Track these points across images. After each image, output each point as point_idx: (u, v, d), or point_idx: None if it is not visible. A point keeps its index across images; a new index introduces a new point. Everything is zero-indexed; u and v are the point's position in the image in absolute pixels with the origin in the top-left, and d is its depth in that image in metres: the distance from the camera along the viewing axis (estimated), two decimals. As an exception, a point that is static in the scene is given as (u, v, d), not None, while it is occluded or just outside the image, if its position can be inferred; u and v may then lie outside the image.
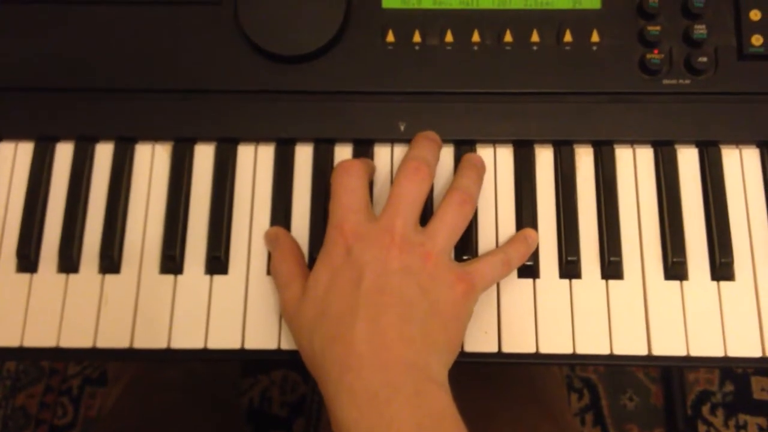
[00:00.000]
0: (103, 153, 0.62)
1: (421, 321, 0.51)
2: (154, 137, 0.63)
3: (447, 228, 0.55)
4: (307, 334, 0.52)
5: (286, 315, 0.56)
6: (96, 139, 0.63)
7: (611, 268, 0.59)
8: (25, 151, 0.62)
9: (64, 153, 0.62)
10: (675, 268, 0.59)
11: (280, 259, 0.57)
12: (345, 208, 0.55)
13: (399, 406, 0.48)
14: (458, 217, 0.56)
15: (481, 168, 0.60)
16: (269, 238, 0.59)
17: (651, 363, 0.58)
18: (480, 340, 0.58)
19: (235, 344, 0.58)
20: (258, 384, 1.35)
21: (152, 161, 0.62)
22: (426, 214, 0.58)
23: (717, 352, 0.58)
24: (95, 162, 0.62)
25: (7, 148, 0.63)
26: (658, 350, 0.57)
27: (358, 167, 0.56)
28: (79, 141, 0.62)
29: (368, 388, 0.48)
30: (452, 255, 0.59)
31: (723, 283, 0.59)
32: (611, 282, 0.59)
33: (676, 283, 0.59)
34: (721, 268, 0.59)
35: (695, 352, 0.57)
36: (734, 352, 0.58)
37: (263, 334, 0.58)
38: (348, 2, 0.63)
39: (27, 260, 0.59)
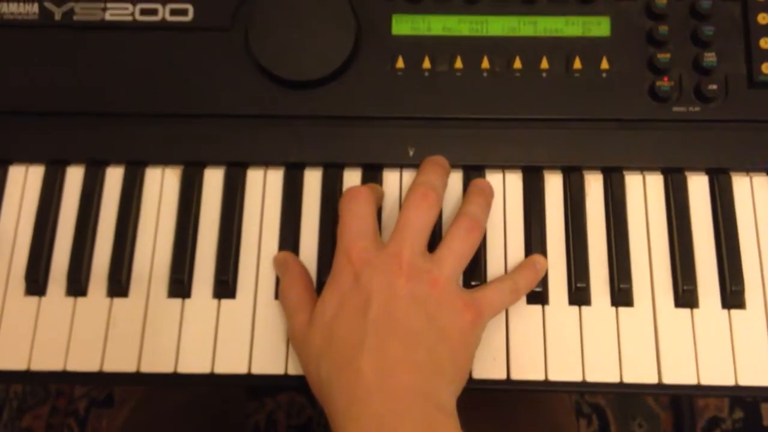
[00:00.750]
0: (113, 177, 0.63)
1: (429, 348, 0.51)
2: (164, 161, 0.63)
3: (455, 255, 0.55)
4: (314, 361, 0.52)
5: (294, 341, 0.55)
6: (106, 163, 0.63)
7: (621, 295, 0.59)
8: (35, 174, 0.63)
9: (74, 177, 0.63)
10: (685, 295, 0.58)
11: (289, 284, 0.57)
12: (353, 235, 0.55)
13: None
14: (466, 244, 0.56)
15: (489, 194, 0.60)
16: (278, 263, 0.59)
17: (661, 392, 0.57)
18: (488, 367, 0.58)
19: (242, 369, 0.58)
20: (264, 407, 1.35)
21: (162, 185, 0.62)
22: (435, 239, 0.57)
23: (728, 380, 0.57)
24: (105, 186, 0.62)
25: (17, 171, 0.63)
26: (669, 379, 0.57)
27: (366, 193, 0.56)
28: (89, 165, 0.63)
29: (375, 417, 0.48)
30: (460, 281, 0.58)
31: (734, 311, 0.59)
32: (621, 309, 0.59)
33: (687, 311, 0.59)
34: (732, 296, 0.58)
35: (706, 381, 0.57)
36: (745, 380, 0.57)
37: (270, 359, 0.58)
38: (358, 28, 0.63)
39: (36, 284, 0.60)
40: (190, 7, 0.65)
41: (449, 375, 0.51)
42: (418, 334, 0.51)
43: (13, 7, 0.65)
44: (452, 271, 0.54)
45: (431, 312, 0.52)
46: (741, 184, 0.62)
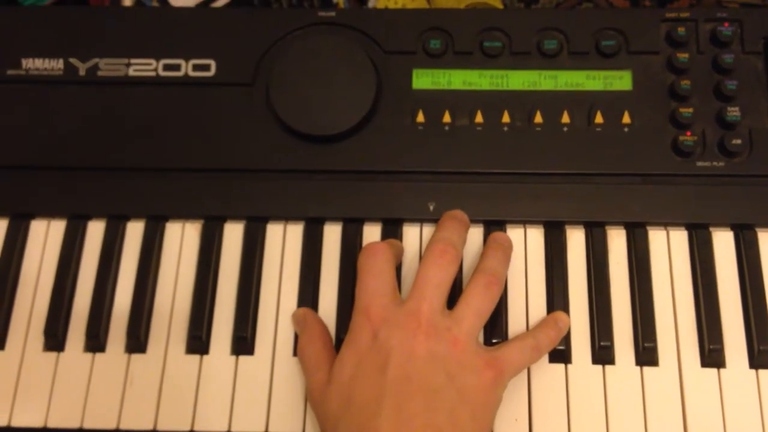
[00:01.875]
0: (134, 231, 0.63)
1: (449, 410, 0.50)
2: (185, 216, 0.63)
3: (474, 312, 0.54)
4: (332, 422, 0.51)
5: (312, 401, 0.55)
6: (127, 218, 0.63)
7: (646, 354, 0.57)
8: (57, 229, 0.63)
9: (95, 231, 0.63)
10: (712, 355, 0.57)
11: (308, 342, 0.56)
12: (371, 292, 0.54)
13: None
14: (485, 301, 0.55)
15: (508, 248, 0.59)
16: (297, 320, 0.59)
17: (688, 455, 0.56)
18: (510, 428, 0.56)
19: (259, 428, 0.57)
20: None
21: (182, 240, 0.63)
22: (455, 293, 0.57)
23: (757, 443, 0.56)
24: (125, 240, 0.63)
25: (39, 225, 0.63)
26: (696, 441, 0.56)
27: (384, 250, 0.56)
28: (110, 219, 0.63)
29: None
30: (481, 338, 0.58)
31: (762, 372, 0.57)
32: (646, 369, 0.57)
33: (714, 371, 0.57)
34: (760, 356, 0.57)
35: (734, 444, 0.55)
36: (775, 443, 0.56)
37: (288, 418, 0.57)
38: (378, 83, 0.64)
39: (55, 339, 0.59)
40: (212, 63, 0.65)
41: None
42: (437, 394, 0.50)
43: (39, 63, 0.66)
44: (472, 329, 0.54)
45: (451, 371, 0.51)
46: (767, 241, 0.60)
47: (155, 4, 0.76)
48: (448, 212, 0.60)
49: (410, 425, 0.49)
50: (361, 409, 0.50)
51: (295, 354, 0.59)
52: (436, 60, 0.65)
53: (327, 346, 0.56)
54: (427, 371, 0.51)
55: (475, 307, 0.55)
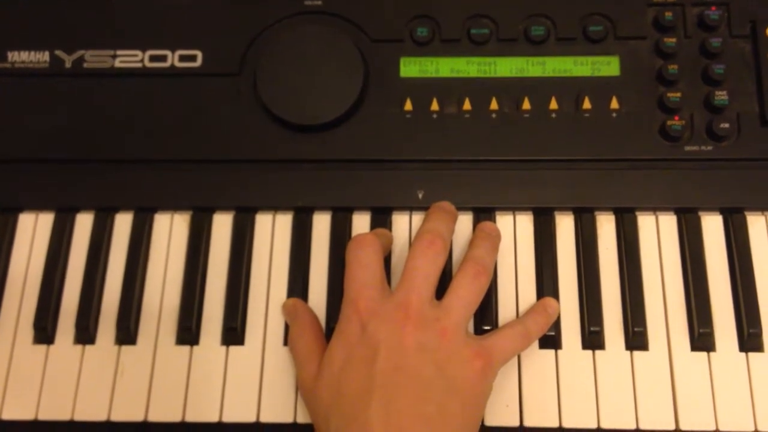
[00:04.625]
0: (123, 223, 0.63)
1: (439, 400, 0.50)
2: (173, 207, 0.63)
3: (462, 302, 0.54)
4: (323, 413, 0.51)
5: (303, 392, 0.55)
6: (115, 210, 0.63)
7: (636, 339, 0.57)
8: (45, 222, 0.63)
9: (83, 224, 0.63)
10: (702, 339, 0.57)
11: (298, 333, 0.56)
12: (359, 284, 0.54)
13: None
14: (473, 290, 0.55)
15: (495, 237, 0.59)
16: (287, 311, 0.59)
17: (679, 438, 0.56)
18: (501, 414, 0.56)
19: (250, 417, 0.57)
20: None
21: (170, 231, 0.62)
22: (444, 283, 0.57)
23: (747, 426, 0.55)
24: (114, 232, 0.62)
25: (27, 219, 0.63)
26: (686, 425, 0.55)
27: (372, 241, 0.56)
28: (98, 212, 0.63)
29: None
30: (471, 326, 0.58)
31: (752, 355, 0.57)
32: (636, 353, 0.57)
33: (704, 354, 0.57)
34: (750, 339, 0.57)
35: (724, 427, 0.55)
36: (766, 426, 0.55)
37: (279, 407, 0.57)
38: (366, 72, 0.63)
39: (44, 332, 0.59)
40: (198, 53, 0.65)
41: (459, 426, 0.50)
42: (427, 385, 0.50)
43: (24, 56, 0.65)
44: (460, 319, 0.54)
45: (440, 362, 0.51)
46: (756, 224, 0.61)
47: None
48: (436, 203, 0.60)
49: (400, 416, 0.49)
50: (352, 401, 0.50)
51: (285, 344, 0.59)
52: (423, 48, 0.65)
53: (317, 337, 0.56)
54: (416, 362, 0.50)
55: (464, 297, 0.55)
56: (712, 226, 0.61)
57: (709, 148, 0.61)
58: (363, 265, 0.54)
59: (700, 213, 0.61)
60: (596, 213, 0.62)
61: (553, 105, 0.63)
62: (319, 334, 0.57)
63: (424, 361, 0.50)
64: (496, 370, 0.54)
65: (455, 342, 0.52)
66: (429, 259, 0.54)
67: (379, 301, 0.53)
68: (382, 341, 0.51)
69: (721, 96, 0.62)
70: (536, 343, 0.58)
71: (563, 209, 0.62)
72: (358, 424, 0.49)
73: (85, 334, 0.59)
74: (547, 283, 0.59)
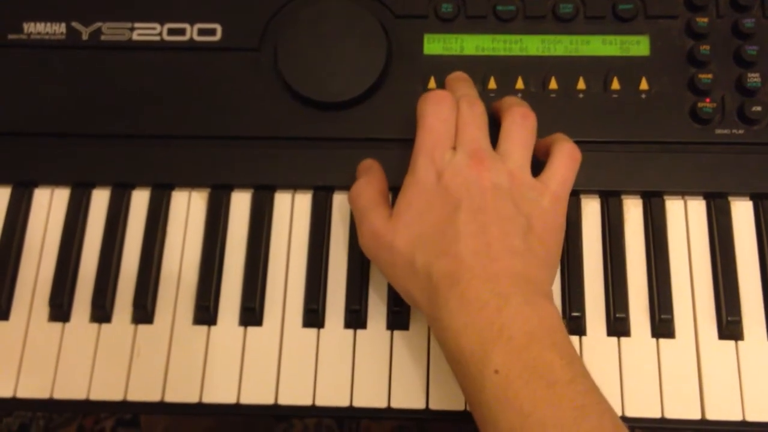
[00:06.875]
0: (140, 200, 0.61)
1: (522, 235, 0.51)
2: (191, 184, 0.62)
3: (519, 144, 0.55)
4: (404, 251, 0.52)
5: (372, 240, 0.54)
6: (132, 186, 0.62)
7: (662, 326, 0.56)
8: (60, 197, 0.62)
9: (100, 200, 0.61)
10: (730, 327, 0.56)
11: (367, 183, 0.57)
12: (438, 135, 0.54)
13: (510, 315, 0.47)
14: (525, 131, 0.55)
15: (523, 102, 0.59)
16: (363, 167, 0.59)
17: (705, 428, 0.55)
18: (523, 400, 0.55)
19: (268, 399, 0.56)
20: (292, 429, 1.33)
21: (188, 208, 0.61)
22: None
23: (775, 417, 0.55)
24: (131, 209, 0.61)
25: (42, 194, 0.62)
26: (713, 414, 0.54)
27: (452, 100, 0.55)
28: (115, 187, 0.62)
29: (479, 298, 0.48)
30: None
31: (781, 344, 0.56)
32: (662, 341, 0.56)
33: (731, 343, 0.56)
34: (780, 328, 0.56)
35: (752, 417, 0.54)
36: (793, 416, 0.55)
37: (297, 389, 0.56)
38: (389, 48, 0.62)
39: (60, 309, 0.58)
40: (218, 27, 0.64)
41: (542, 260, 0.52)
42: (509, 221, 0.51)
43: (40, 27, 0.64)
44: (523, 160, 0.54)
45: (516, 201, 0.52)
46: (788, 210, 0.59)
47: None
48: (449, 77, 0.60)
49: (490, 248, 0.50)
50: (440, 238, 0.51)
51: (304, 325, 0.58)
52: (448, 24, 0.63)
53: (384, 193, 0.57)
54: (496, 202, 0.52)
55: (518, 139, 0.55)
56: (743, 212, 0.59)
57: (741, 131, 0.60)
58: (442, 119, 0.55)
59: (730, 198, 0.60)
60: (623, 197, 0.60)
61: (581, 85, 0.61)
62: (386, 191, 0.58)
63: (503, 200, 0.52)
64: (564, 202, 0.55)
65: (524, 182, 0.53)
66: (475, 114, 0.55)
67: (450, 153, 0.54)
68: (461, 186, 0.52)
69: (753, 78, 0.60)
70: (560, 329, 0.57)
71: (589, 192, 0.60)
72: (448, 256, 0.50)
73: (102, 312, 0.58)
74: (572, 267, 0.58)
